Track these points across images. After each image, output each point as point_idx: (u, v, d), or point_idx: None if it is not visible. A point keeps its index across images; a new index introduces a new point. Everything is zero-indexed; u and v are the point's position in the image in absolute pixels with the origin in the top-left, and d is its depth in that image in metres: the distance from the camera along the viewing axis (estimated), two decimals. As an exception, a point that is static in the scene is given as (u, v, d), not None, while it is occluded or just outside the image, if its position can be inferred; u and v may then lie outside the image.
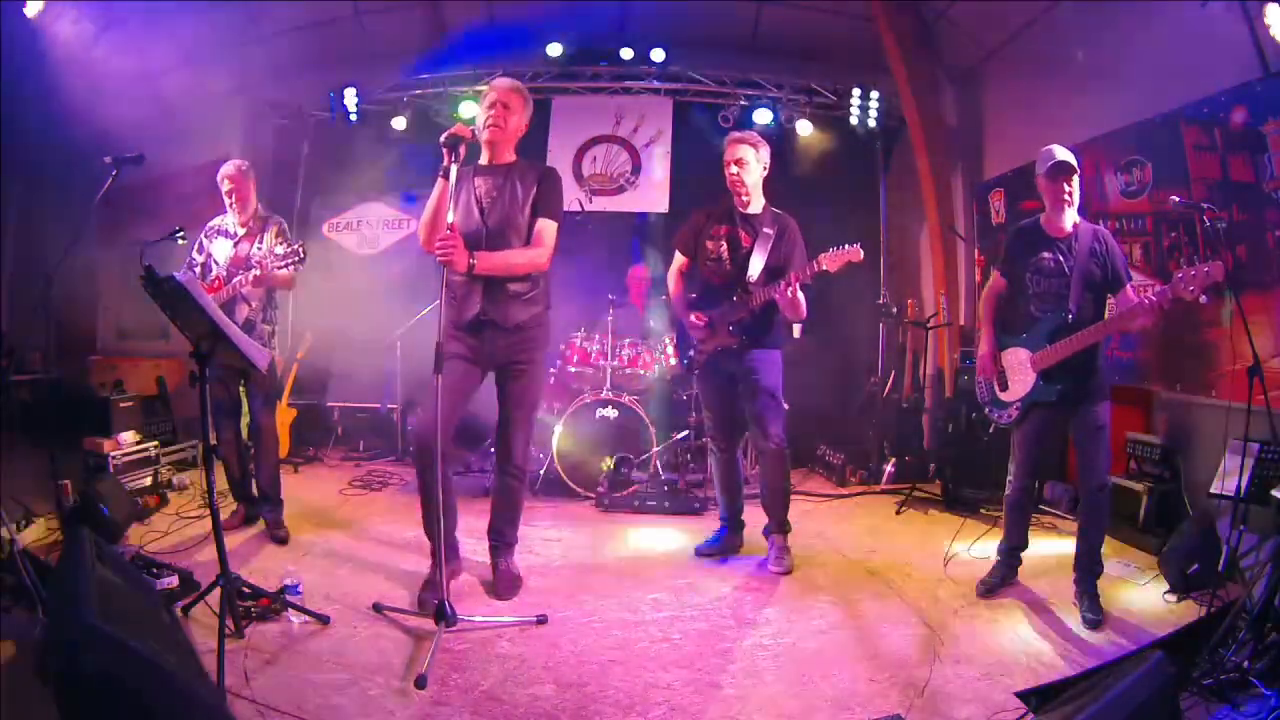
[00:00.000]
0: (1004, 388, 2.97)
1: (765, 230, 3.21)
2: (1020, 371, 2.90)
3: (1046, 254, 2.82)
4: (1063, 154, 2.75)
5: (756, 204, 3.28)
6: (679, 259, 3.44)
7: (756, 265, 3.19)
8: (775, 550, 3.27)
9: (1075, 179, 2.75)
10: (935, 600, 2.93)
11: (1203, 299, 2.46)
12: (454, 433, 2.90)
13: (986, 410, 3.06)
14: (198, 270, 3.42)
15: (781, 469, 3.30)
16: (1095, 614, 2.71)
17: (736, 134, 3.27)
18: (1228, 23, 3.23)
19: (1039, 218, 2.90)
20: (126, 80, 4.22)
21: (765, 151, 3.24)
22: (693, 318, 3.30)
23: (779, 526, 3.31)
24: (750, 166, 3.19)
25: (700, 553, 3.40)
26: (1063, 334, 2.73)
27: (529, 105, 2.86)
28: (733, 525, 3.47)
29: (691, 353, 3.41)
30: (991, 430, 3.04)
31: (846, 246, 2.99)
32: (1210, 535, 2.99)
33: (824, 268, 2.99)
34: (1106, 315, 2.79)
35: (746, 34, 5.83)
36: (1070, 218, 2.80)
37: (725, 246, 3.26)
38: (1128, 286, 2.73)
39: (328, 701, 2.05)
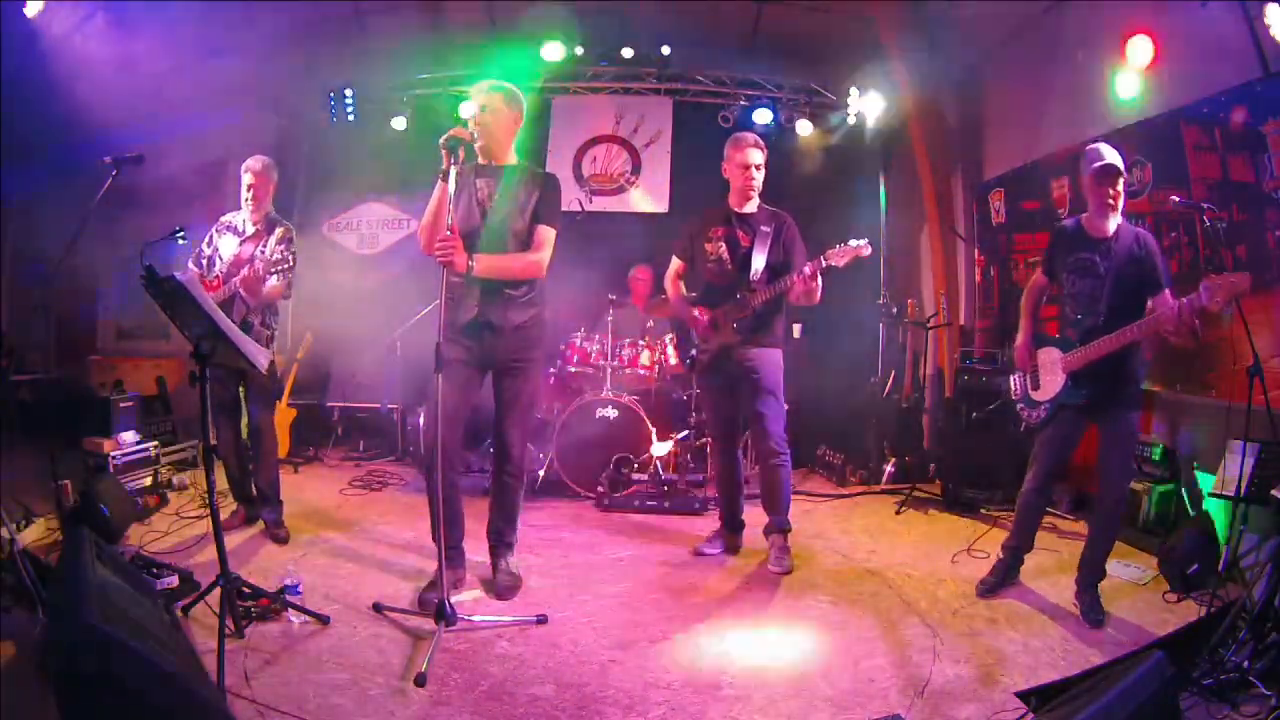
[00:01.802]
0: (1036, 386, 2.94)
1: (763, 229, 3.25)
2: (1052, 371, 2.87)
3: (1085, 254, 2.76)
4: (1111, 155, 2.70)
5: (752, 204, 3.32)
6: (675, 263, 3.48)
7: (758, 264, 3.22)
8: (775, 550, 3.27)
9: (1121, 182, 2.70)
10: (935, 600, 2.93)
11: (1229, 311, 2.39)
12: (461, 436, 2.91)
13: (1019, 408, 3.02)
14: (204, 264, 3.42)
15: (781, 469, 3.30)
16: (1098, 614, 2.71)
17: (751, 136, 3.29)
18: (1228, 23, 3.23)
19: (1080, 218, 2.86)
20: (126, 80, 4.22)
21: None
22: (696, 313, 3.32)
23: (779, 526, 3.31)
24: (762, 169, 3.27)
25: (700, 553, 3.40)
26: (1094, 336, 2.69)
27: (513, 100, 2.83)
28: (733, 525, 3.47)
29: (694, 352, 3.44)
30: (1023, 428, 3.03)
31: (853, 242, 3.02)
32: (1210, 535, 2.99)
33: (831, 264, 3.02)
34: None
35: (746, 34, 5.82)
36: (1114, 221, 2.73)
37: (724, 247, 3.29)
38: (1166, 291, 2.62)
39: (328, 701, 2.05)
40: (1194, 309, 2.41)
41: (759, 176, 3.27)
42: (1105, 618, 2.71)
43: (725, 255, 3.28)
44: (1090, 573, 2.81)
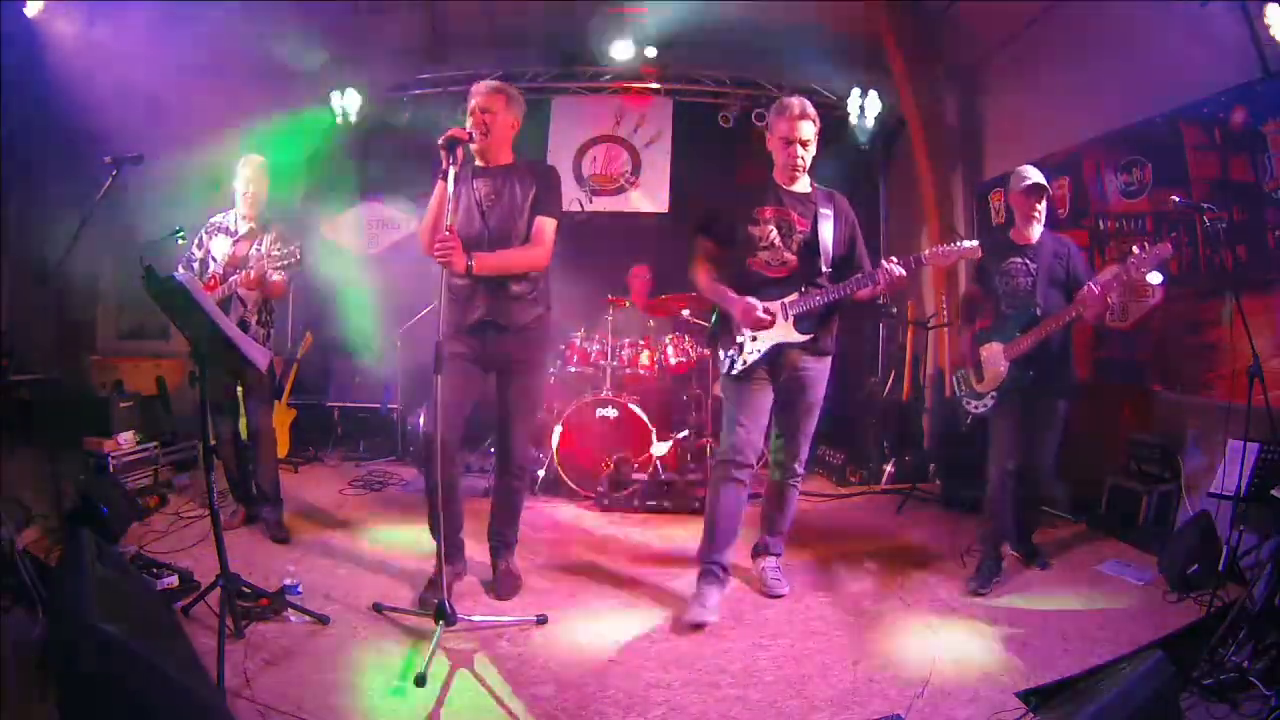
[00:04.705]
0: (980, 379, 3.19)
1: (822, 210, 2.80)
2: (994, 363, 3.13)
3: (1015, 259, 3.13)
4: (1036, 175, 3.09)
5: (803, 182, 2.86)
6: (706, 246, 2.93)
7: (827, 251, 2.79)
8: (771, 572, 3.02)
9: (1045, 198, 3.11)
10: (935, 600, 2.93)
11: (1157, 277, 2.77)
12: (462, 436, 2.88)
13: (964, 402, 3.27)
14: (196, 266, 3.42)
15: (795, 490, 3.07)
16: (1040, 560, 3.26)
17: (799, 104, 2.77)
18: (1228, 23, 3.23)
19: (1007, 230, 3.24)
20: (127, 80, 4.22)
21: None
22: (756, 307, 2.72)
23: (774, 549, 3.10)
24: (812, 147, 2.82)
25: (695, 624, 2.70)
26: (1032, 325, 3.02)
27: (514, 103, 2.79)
28: (724, 573, 2.84)
29: (741, 354, 2.81)
30: (969, 420, 3.27)
31: (962, 243, 2.71)
32: (1210, 535, 2.99)
33: (930, 264, 2.75)
34: None
35: (746, 34, 5.82)
36: (1037, 230, 3.13)
37: (775, 231, 2.80)
38: (1087, 285, 2.91)
39: (328, 701, 2.06)
40: (1122, 280, 2.77)
41: (806, 154, 2.79)
42: (1049, 559, 3.28)
43: (777, 240, 2.79)
44: (1027, 523, 3.26)
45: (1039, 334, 2.98)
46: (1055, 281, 3.07)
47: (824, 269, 2.80)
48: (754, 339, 2.78)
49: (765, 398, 2.84)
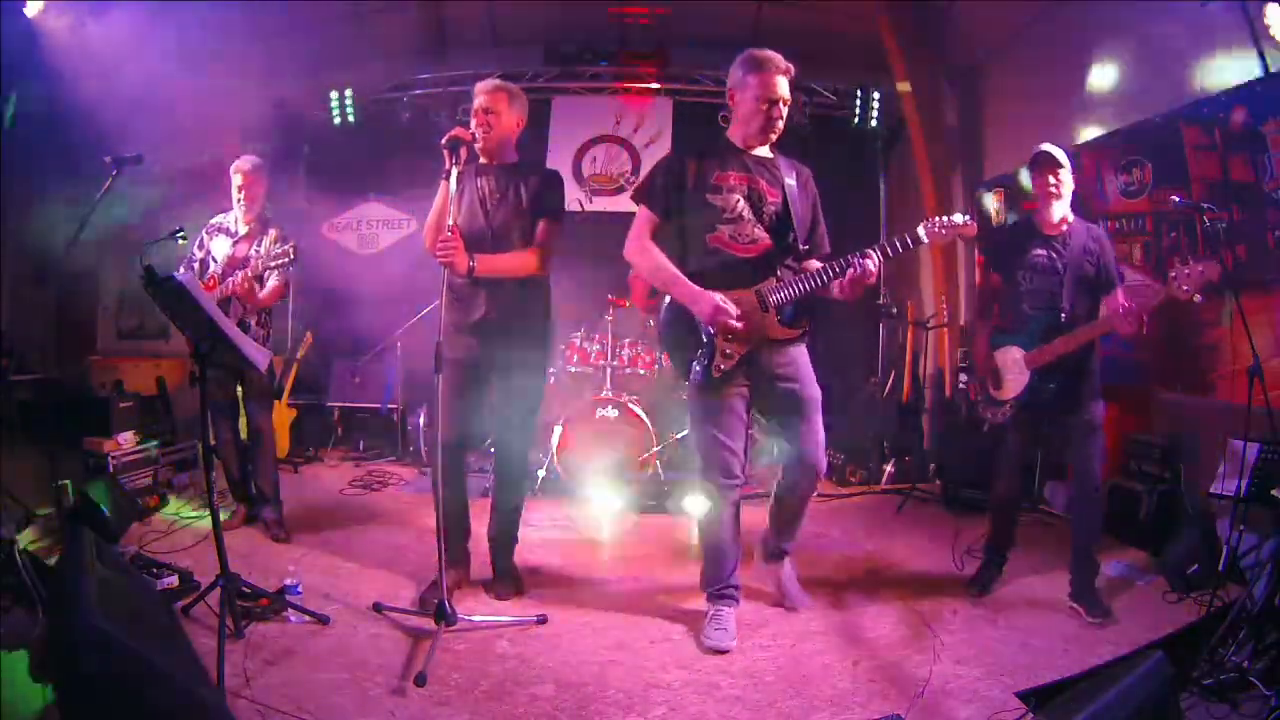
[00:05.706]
0: (997, 386, 2.96)
1: (788, 180, 2.48)
2: (1014, 370, 2.89)
3: (1040, 251, 2.81)
4: (1046, 146, 2.80)
5: (766, 148, 2.55)
6: (651, 219, 2.48)
7: (800, 224, 2.45)
8: (792, 585, 2.85)
9: (1061, 172, 2.76)
10: (935, 600, 2.93)
11: (1198, 298, 2.46)
12: (464, 436, 2.88)
13: (980, 409, 3.06)
14: (196, 267, 3.42)
15: (811, 499, 2.71)
16: (1102, 610, 2.70)
17: (780, 60, 2.43)
18: (1228, 23, 3.24)
19: (1032, 215, 2.93)
20: (126, 80, 4.22)
21: None
22: (733, 318, 2.33)
23: (787, 553, 2.87)
24: (788, 107, 2.50)
25: (714, 648, 2.54)
26: (1056, 333, 2.74)
27: (517, 101, 2.79)
28: (735, 592, 2.64)
29: (713, 358, 2.41)
30: (985, 429, 3.08)
31: (957, 217, 2.37)
32: (1210, 535, 2.99)
33: (923, 241, 2.36)
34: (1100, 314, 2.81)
35: (746, 34, 5.83)
36: (1060, 211, 2.80)
37: (742, 202, 2.42)
38: (1119, 289, 2.75)
39: (328, 701, 2.05)
40: (1161, 301, 2.52)
41: (784, 112, 2.47)
42: (1110, 610, 2.72)
43: (745, 211, 2.40)
44: (1085, 571, 2.81)
45: (1066, 345, 2.69)
46: (1084, 281, 2.75)
47: (800, 247, 2.48)
48: (729, 340, 2.41)
49: (742, 404, 2.49)
